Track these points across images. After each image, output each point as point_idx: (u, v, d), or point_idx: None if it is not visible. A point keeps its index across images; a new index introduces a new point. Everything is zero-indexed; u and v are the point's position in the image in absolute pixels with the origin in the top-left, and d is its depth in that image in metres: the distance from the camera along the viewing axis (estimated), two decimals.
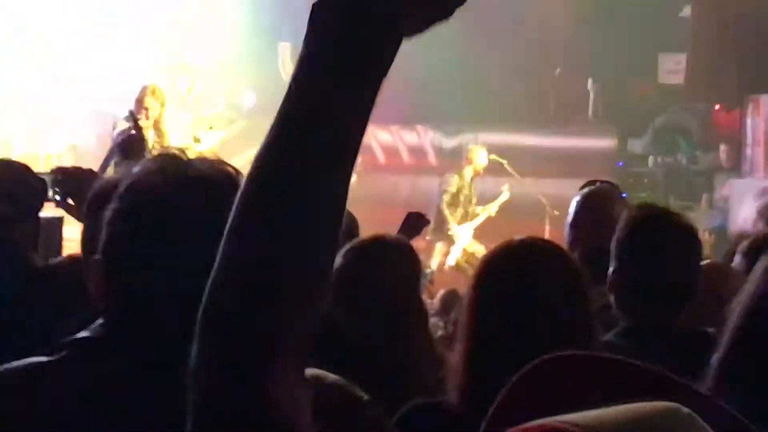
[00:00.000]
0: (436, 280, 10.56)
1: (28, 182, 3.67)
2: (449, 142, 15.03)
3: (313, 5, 1.13)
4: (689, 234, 3.15)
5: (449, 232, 12.56)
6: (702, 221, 12.37)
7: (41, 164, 11.39)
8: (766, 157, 14.48)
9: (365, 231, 3.99)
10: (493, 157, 13.07)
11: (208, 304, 1.12)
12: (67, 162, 11.70)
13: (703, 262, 3.34)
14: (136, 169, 1.88)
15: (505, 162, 13.11)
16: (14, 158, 11.09)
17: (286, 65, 13.67)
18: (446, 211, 12.42)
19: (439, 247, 12.50)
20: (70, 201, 3.86)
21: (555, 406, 0.90)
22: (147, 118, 10.07)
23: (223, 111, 14.37)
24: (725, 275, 3.58)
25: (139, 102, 10.16)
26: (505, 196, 12.96)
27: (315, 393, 1.85)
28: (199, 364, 1.12)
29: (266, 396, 1.09)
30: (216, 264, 1.12)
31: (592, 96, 15.49)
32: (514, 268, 2.43)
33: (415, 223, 5.02)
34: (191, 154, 1.88)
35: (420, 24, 1.14)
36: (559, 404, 0.90)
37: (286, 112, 1.11)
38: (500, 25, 14.52)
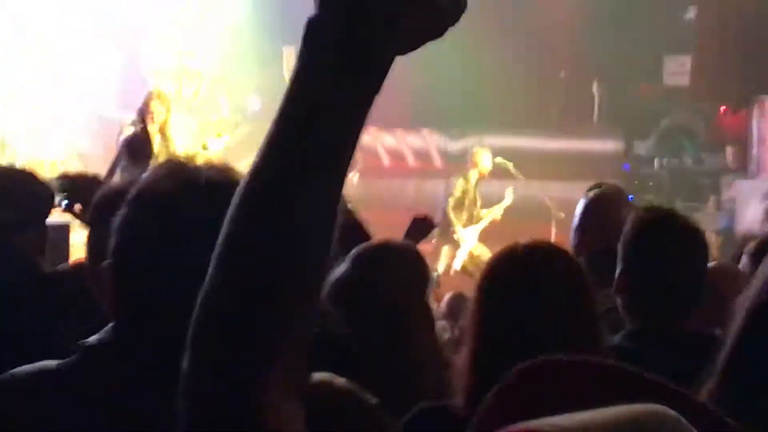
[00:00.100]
0: (443, 283, 10.55)
1: (35, 189, 3.68)
2: (454, 146, 15.03)
3: (315, 5, 1.13)
4: (695, 236, 3.15)
5: (455, 236, 12.55)
6: (709, 223, 12.36)
7: (47, 170, 11.41)
8: None
9: (373, 236, 4.00)
10: (499, 160, 13.05)
11: (203, 309, 1.12)
12: (73, 168, 11.72)
13: (710, 264, 3.34)
14: (144, 175, 1.89)
15: (510, 165, 13.10)
16: (20, 165, 11.16)
17: (290, 69, 13.63)
18: (452, 215, 12.41)
19: (446, 250, 12.50)
20: (76, 207, 3.87)
21: (542, 409, 0.90)
22: (153, 122, 10.07)
23: (228, 115, 14.39)
24: (732, 277, 3.58)
25: (145, 106, 10.16)
26: (509, 199, 12.95)
27: (323, 397, 1.86)
28: (191, 370, 1.13)
29: (258, 405, 1.09)
30: (211, 267, 1.12)
31: (597, 98, 15.47)
32: (519, 271, 2.43)
33: (421, 226, 5.00)
34: (199, 161, 1.89)
35: (414, 39, 1.14)
36: (546, 407, 0.91)
37: (285, 112, 1.12)
38: (505, 29, 14.52)
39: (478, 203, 12.87)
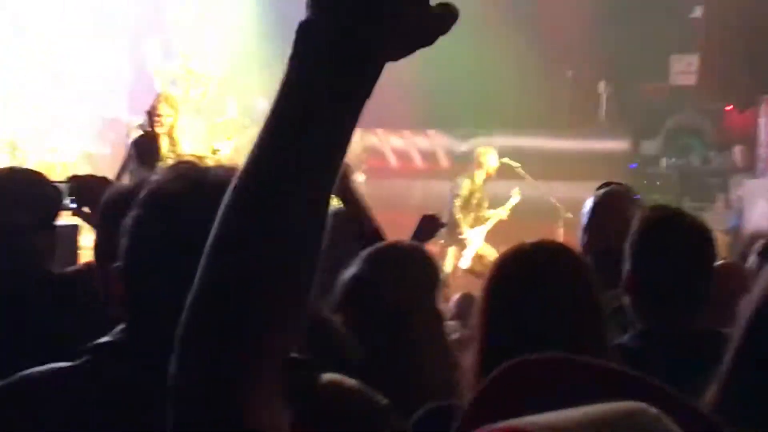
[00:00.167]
0: (451, 284, 10.55)
1: (44, 191, 3.68)
2: (461, 146, 15.02)
3: (307, 6, 1.14)
4: (703, 235, 3.15)
5: (462, 236, 12.55)
6: (717, 222, 12.35)
7: (57, 172, 11.43)
8: None
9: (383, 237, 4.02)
10: (506, 160, 13.05)
11: (191, 309, 1.13)
12: (82, 170, 11.75)
13: (717, 263, 3.34)
14: (155, 176, 1.90)
15: (518, 165, 13.10)
16: (29, 166, 11.18)
17: None
18: (458, 215, 12.41)
19: (453, 250, 12.50)
20: (85, 209, 3.87)
21: (527, 407, 0.91)
22: (161, 125, 10.07)
23: (235, 117, 14.40)
24: (740, 276, 3.59)
25: (153, 109, 10.16)
26: (515, 199, 12.94)
27: (333, 397, 1.87)
28: (178, 369, 1.13)
29: (243, 405, 1.10)
30: (201, 267, 1.13)
31: (604, 98, 15.46)
32: (526, 271, 2.44)
33: (429, 226, 5.00)
34: (210, 163, 1.90)
35: (406, 45, 1.15)
36: (531, 405, 0.91)
37: (277, 113, 1.13)
38: (511, 29, 14.51)
39: (485, 204, 12.86)
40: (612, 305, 2.92)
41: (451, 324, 5.61)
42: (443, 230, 6.29)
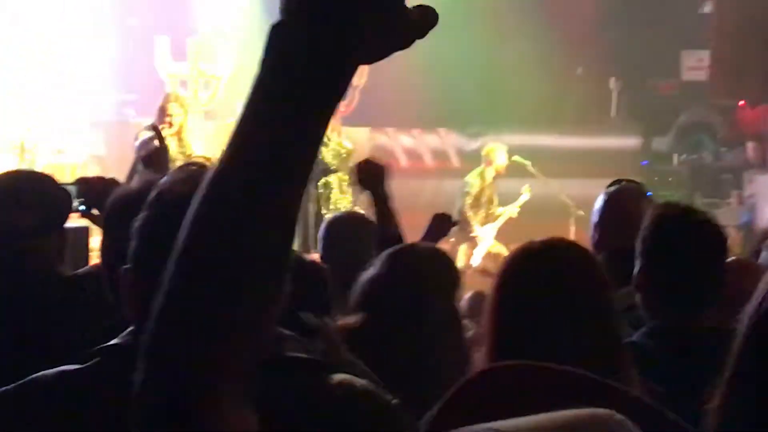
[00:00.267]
0: (462, 282, 10.53)
1: (53, 193, 3.68)
2: (472, 145, 15.01)
3: (280, 9, 1.13)
4: (714, 231, 3.14)
5: (472, 234, 12.55)
6: (730, 218, 12.33)
7: (66, 174, 11.44)
8: None
9: None
10: (517, 158, 13.04)
11: (157, 317, 1.12)
12: (92, 172, 11.75)
13: (729, 259, 3.33)
14: (165, 178, 1.90)
15: (528, 163, 13.09)
16: (39, 169, 11.19)
17: None
18: (469, 213, 12.40)
19: (463, 248, 12.49)
20: (94, 211, 3.88)
21: (494, 413, 0.91)
22: (171, 125, 10.06)
23: None
24: (751, 272, 3.57)
25: (162, 110, 10.14)
26: (526, 196, 12.94)
27: (342, 397, 1.87)
28: (144, 377, 1.13)
29: (209, 415, 1.09)
30: (167, 274, 1.13)
31: (614, 95, 15.45)
32: (536, 268, 2.43)
33: (441, 224, 4.99)
34: None
35: (379, 48, 1.15)
36: (499, 411, 0.91)
37: (247, 117, 1.12)
38: (521, 27, 14.50)
39: (495, 201, 12.86)
40: (624, 303, 2.91)
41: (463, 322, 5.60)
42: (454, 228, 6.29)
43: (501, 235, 12.68)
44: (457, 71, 14.04)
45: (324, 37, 1.09)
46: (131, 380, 1.78)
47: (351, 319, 3.12)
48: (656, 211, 3.22)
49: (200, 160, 1.81)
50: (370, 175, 4.44)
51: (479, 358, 2.39)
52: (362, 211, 11.42)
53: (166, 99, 10.43)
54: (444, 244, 5.05)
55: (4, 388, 1.87)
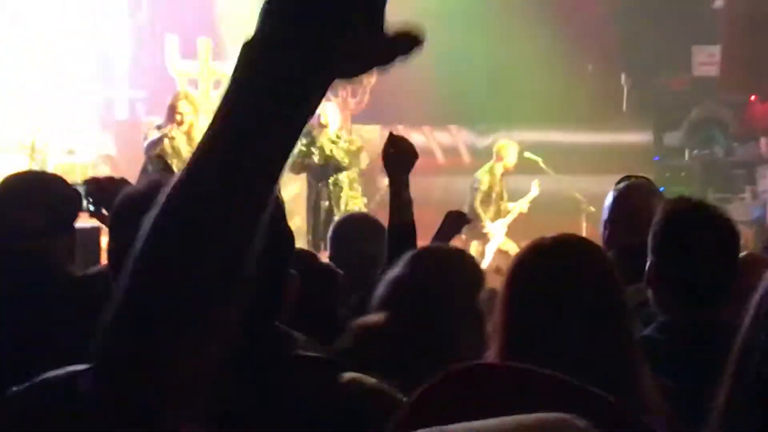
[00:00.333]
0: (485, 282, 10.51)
1: (63, 193, 3.68)
2: (483, 141, 15.00)
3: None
4: (726, 226, 3.13)
5: (483, 230, 12.54)
6: (742, 213, 12.30)
7: (77, 174, 11.46)
8: None
9: None
10: (528, 154, 13.04)
11: (107, 330, 1.12)
12: (103, 172, 11.77)
13: (742, 254, 3.32)
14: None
15: (540, 160, 13.09)
16: (50, 168, 11.21)
17: None
18: (479, 209, 12.40)
19: (475, 245, 12.49)
20: (103, 211, 3.88)
21: (461, 414, 0.90)
22: (182, 123, 10.06)
23: None
24: (764, 267, 3.55)
25: (172, 108, 10.14)
26: (535, 191, 12.94)
27: (353, 396, 1.86)
28: (97, 393, 1.13)
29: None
30: (120, 288, 1.12)
31: (625, 90, 15.43)
32: (547, 265, 2.42)
33: (454, 221, 4.98)
34: None
35: (358, 67, 1.15)
36: (466, 412, 0.91)
37: (218, 129, 1.12)
38: (532, 23, 14.48)
39: (505, 197, 12.86)
40: (635, 299, 2.90)
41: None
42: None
43: (512, 232, 12.68)
44: (468, 68, 14.04)
45: (295, 58, 1.09)
46: None
47: (375, 318, 3.13)
48: (668, 207, 3.21)
49: None
50: (400, 155, 4.19)
51: (490, 356, 2.38)
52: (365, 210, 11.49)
53: (176, 97, 10.44)
54: (455, 241, 5.03)
55: (14, 389, 1.87)
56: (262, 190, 1.13)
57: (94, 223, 4.33)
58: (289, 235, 1.90)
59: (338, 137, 11.09)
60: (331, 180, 11.08)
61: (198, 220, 1.11)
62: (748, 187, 14.37)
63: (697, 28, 14.99)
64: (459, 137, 15.48)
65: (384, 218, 4.34)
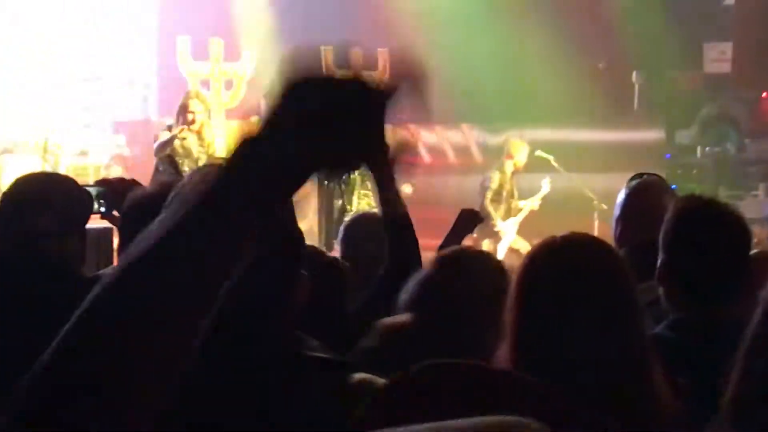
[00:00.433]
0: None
1: (74, 195, 3.69)
2: (494, 140, 14.99)
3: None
4: (737, 223, 3.12)
5: (495, 229, 12.54)
6: (755, 210, 12.27)
7: (90, 175, 11.48)
8: None
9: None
10: (540, 153, 13.03)
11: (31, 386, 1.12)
12: (116, 173, 11.79)
13: (753, 251, 3.31)
14: (182, 180, 1.90)
15: (552, 158, 13.08)
16: (63, 169, 11.24)
17: (328, 69, 13.66)
18: (490, 208, 12.39)
19: (486, 243, 12.48)
20: (115, 212, 3.89)
21: (420, 413, 0.91)
22: (194, 122, 10.06)
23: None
24: None
25: (184, 107, 10.15)
26: (546, 188, 12.93)
27: (364, 396, 1.86)
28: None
29: None
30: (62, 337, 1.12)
31: (637, 88, 15.41)
32: (557, 263, 2.42)
33: (468, 219, 4.97)
34: None
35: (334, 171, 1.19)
36: (426, 411, 0.91)
37: (172, 236, 1.13)
38: (542, 22, 14.48)
39: (516, 195, 12.85)
40: (646, 297, 2.90)
41: None
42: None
43: (524, 230, 12.67)
44: (479, 67, 14.03)
45: (292, 160, 1.15)
46: None
47: (401, 318, 3.13)
48: (679, 204, 3.20)
49: (220, 160, 1.82)
50: (399, 144, 4.17)
51: (501, 356, 2.38)
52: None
53: (187, 96, 10.45)
54: (467, 240, 5.02)
55: None
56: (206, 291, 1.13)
57: (108, 223, 4.34)
58: (298, 236, 1.90)
59: None
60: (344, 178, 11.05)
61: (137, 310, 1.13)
62: (761, 185, 14.34)
63: (708, 25, 14.97)
64: (470, 136, 15.47)
65: None
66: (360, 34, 14.06)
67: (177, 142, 10.00)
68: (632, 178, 4.29)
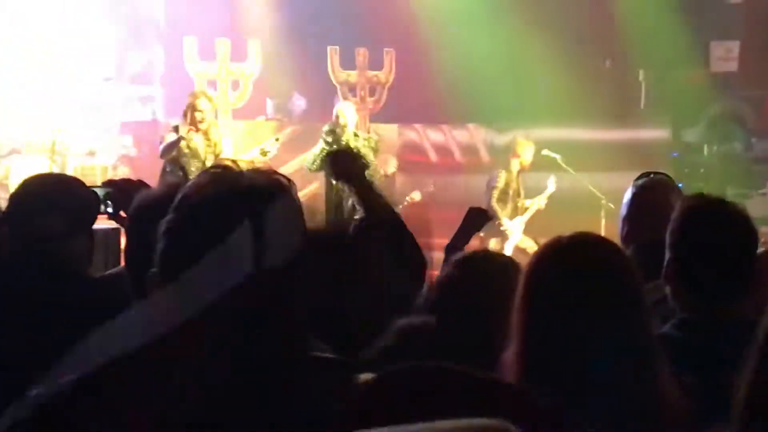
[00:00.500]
0: None
1: (81, 196, 3.70)
2: (501, 140, 15.00)
3: None
4: (744, 222, 3.12)
5: (501, 228, 12.53)
6: (762, 209, 12.25)
7: (98, 176, 11.50)
8: None
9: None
10: (547, 152, 13.03)
11: None
12: (123, 173, 11.80)
13: (760, 251, 3.31)
14: (190, 181, 1.90)
15: (558, 157, 13.08)
16: (71, 170, 11.25)
17: (334, 68, 13.72)
18: (496, 207, 12.38)
19: (493, 243, 12.48)
20: (122, 213, 3.89)
21: (395, 415, 0.91)
22: (203, 120, 10.06)
23: (273, 116, 14.43)
24: None
25: (192, 107, 10.15)
26: (552, 188, 12.92)
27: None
28: None
29: None
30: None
31: (643, 87, 15.39)
32: (564, 263, 2.42)
33: (476, 218, 4.96)
34: (259, 165, 1.91)
35: None
36: (401, 413, 0.91)
37: None
38: (548, 20, 14.47)
39: (522, 194, 12.85)
40: (654, 296, 2.90)
41: None
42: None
43: (532, 230, 12.67)
44: (486, 66, 14.02)
45: None
46: (156, 383, 1.80)
47: (419, 320, 3.14)
48: (686, 204, 3.21)
49: (227, 161, 1.82)
50: (344, 166, 4.25)
51: (508, 357, 2.38)
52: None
53: (195, 95, 10.45)
54: (474, 239, 5.02)
55: (32, 391, 1.88)
56: None
57: (115, 224, 4.35)
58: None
59: (356, 135, 11.09)
60: None
61: None
62: None
63: (715, 23, 14.95)
64: (477, 136, 15.47)
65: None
66: (366, 34, 14.07)
67: (183, 143, 10.00)
68: (639, 177, 4.29)
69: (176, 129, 10.16)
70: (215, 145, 10.15)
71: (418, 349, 2.88)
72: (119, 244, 5.29)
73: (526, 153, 12.73)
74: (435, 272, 4.53)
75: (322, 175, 11.28)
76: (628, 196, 4.19)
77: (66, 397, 1.86)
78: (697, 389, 2.47)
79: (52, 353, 3.10)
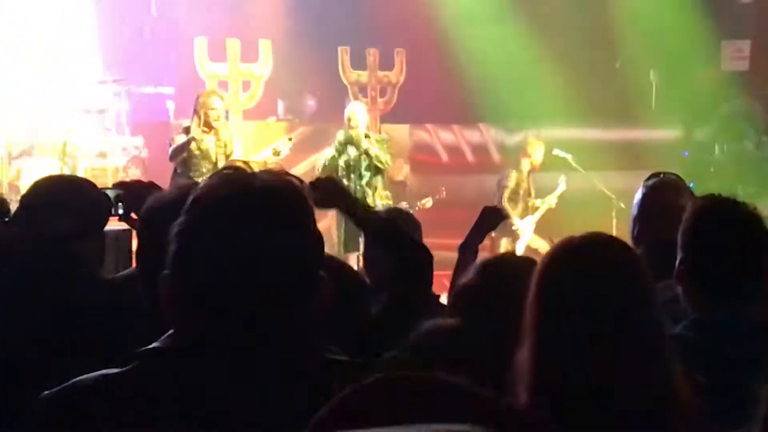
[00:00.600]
0: None
1: (92, 198, 3.71)
2: (512, 139, 15.00)
3: None
4: (756, 223, 3.11)
5: (513, 227, 12.53)
6: None
7: (109, 177, 11.51)
8: None
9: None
10: (557, 151, 13.03)
11: None
12: (134, 175, 11.81)
13: None
14: (201, 183, 1.91)
15: (570, 156, 13.07)
16: (82, 171, 11.26)
17: (345, 69, 13.72)
18: (507, 206, 12.38)
19: (504, 242, 12.48)
20: (133, 215, 3.90)
21: (371, 423, 0.91)
22: (217, 118, 10.05)
23: (284, 117, 14.44)
24: None
25: (204, 105, 10.13)
26: (562, 186, 12.92)
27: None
28: None
29: None
30: None
31: (654, 86, 15.36)
32: (576, 263, 2.42)
33: (490, 217, 4.96)
34: (271, 166, 1.91)
35: None
36: (376, 421, 0.91)
37: None
38: (559, 21, 14.46)
39: (533, 193, 12.85)
40: (665, 296, 2.90)
41: None
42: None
43: (542, 229, 12.67)
44: (497, 66, 14.02)
45: None
46: (168, 384, 1.80)
47: (447, 322, 3.14)
48: (698, 203, 3.20)
49: (238, 163, 1.82)
50: (327, 193, 4.04)
51: (521, 355, 2.38)
52: (406, 205, 11.48)
53: (206, 94, 10.45)
54: (485, 238, 5.02)
55: (46, 393, 1.89)
56: None
57: (127, 225, 4.36)
58: (318, 237, 1.90)
59: (366, 136, 11.08)
60: (364, 181, 10.99)
61: None
62: None
63: (726, 22, 14.92)
64: (488, 135, 15.47)
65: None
66: (377, 34, 14.07)
67: (194, 145, 10.00)
68: (650, 177, 4.29)
69: (186, 130, 10.16)
70: (226, 145, 10.15)
71: (444, 349, 2.88)
72: (130, 246, 5.29)
73: (536, 153, 12.73)
74: (448, 272, 4.54)
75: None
76: (638, 195, 4.19)
77: (79, 397, 1.87)
78: (710, 389, 2.47)
79: (64, 354, 3.11)
